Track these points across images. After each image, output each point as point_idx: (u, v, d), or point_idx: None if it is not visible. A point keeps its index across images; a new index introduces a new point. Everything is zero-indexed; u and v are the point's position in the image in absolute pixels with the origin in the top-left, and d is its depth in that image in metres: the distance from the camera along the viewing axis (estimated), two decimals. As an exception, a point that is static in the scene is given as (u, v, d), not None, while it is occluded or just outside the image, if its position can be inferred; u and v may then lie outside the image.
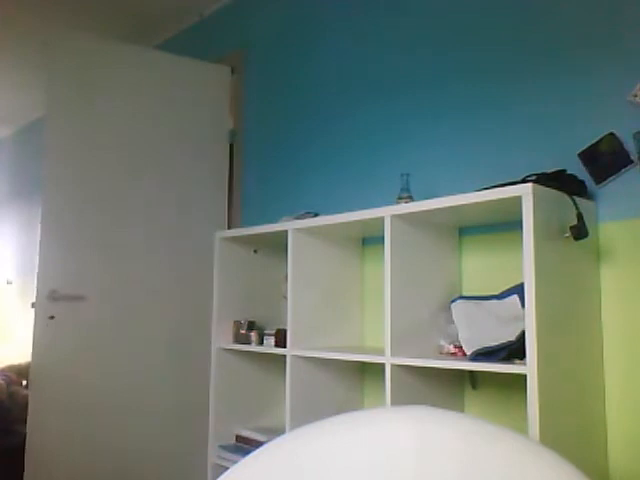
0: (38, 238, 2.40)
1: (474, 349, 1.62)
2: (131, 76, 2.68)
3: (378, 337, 2.23)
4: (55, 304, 2.37)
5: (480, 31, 2.06)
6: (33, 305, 2.38)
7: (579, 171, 1.72)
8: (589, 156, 1.73)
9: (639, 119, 1.64)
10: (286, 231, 2.16)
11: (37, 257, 2.41)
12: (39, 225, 2.41)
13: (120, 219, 2.58)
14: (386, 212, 1.81)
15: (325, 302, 2.19)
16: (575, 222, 1.52)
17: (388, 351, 1.74)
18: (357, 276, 2.32)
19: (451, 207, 1.66)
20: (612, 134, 1.68)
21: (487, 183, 1.71)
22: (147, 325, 2.61)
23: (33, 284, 2.53)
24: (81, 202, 2.49)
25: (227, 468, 1.23)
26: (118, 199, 2.59)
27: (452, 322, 1.79)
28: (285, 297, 2.18)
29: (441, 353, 1.81)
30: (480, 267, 1.97)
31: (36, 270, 2.41)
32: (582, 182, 1.70)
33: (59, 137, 2.46)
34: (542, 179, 1.59)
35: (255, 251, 2.58)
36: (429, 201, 1.72)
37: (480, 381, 1.92)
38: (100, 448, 2.43)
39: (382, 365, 1.75)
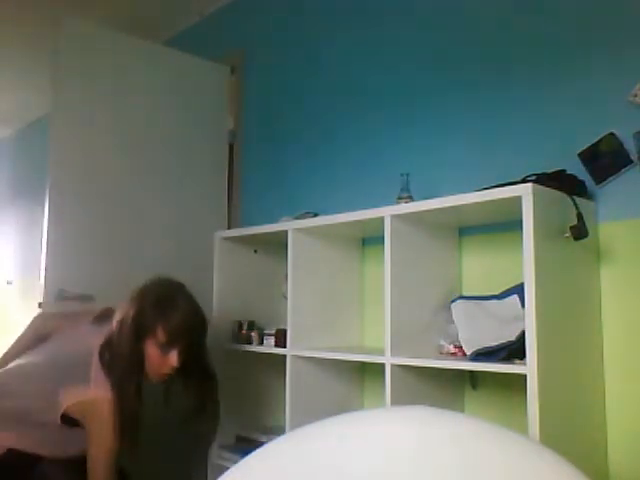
0: (44, 237, 2.39)
1: (474, 349, 1.62)
2: (133, 71, 2.68)
3: (378, 337, 2.22)
4: (63, 304, 2.36)
5: (479, 32, 2.06)
6: (40, 305, 2.37)
7: (579, 171, 1.72)
8: (589, 156, 1.72)
9: (639, 119, 1.64)
10: (286, 231, 2.16)
11: (41, 257, 2.40)
12: (45, 224, 2.40)
13: (122, 218, 2.58)
14: (386, 212, 1.80)
15: (325, 302, 2.19)
16: (575, 222, 1.52)
17: (388, 351, 1.74)
18: (357, 276, 2.32)
19: (451, 207, 1.65)
20: (612, 134, 1.68)
21: (487, 183, 1.70)
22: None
23: (34, 284, 2.52)
24: (86, 200, 2.48)
25: (227, 468, 1.23)
26: (119, 198, 2.58)
27: (452, 322, 1.79)
28: (285, 297, 2.17)
29: (441, 353, 1.81)
30: (480, 267, 1.97)
31: (41, 270, 2.40)
32: (582, 182, 1.70)
33: (64, 134, 2.46)
34: (542, 179, 1.59)
35: (255, 251, 2.57)
36: (429, 201, 1.72)
37: (480, 381, 1.92)
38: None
39: (382, 365, 1.75)
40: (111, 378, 1.66)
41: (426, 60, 2.22)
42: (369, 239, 2.32)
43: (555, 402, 1.45)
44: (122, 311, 1.74)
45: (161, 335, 1.70)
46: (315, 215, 2.24)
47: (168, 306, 1.73)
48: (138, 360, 1.70)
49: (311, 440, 1.19)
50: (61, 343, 1.80)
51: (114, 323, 1.74)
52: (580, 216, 1.52)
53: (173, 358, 1.72)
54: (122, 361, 1.68)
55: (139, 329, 1.70)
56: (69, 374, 1.67)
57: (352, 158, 2.46)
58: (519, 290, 1.62)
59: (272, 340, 2.23)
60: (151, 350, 1.71)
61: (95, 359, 1.67)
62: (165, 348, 1.71)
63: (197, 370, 1.86)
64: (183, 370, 1.80)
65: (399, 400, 1.71)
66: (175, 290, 1.80)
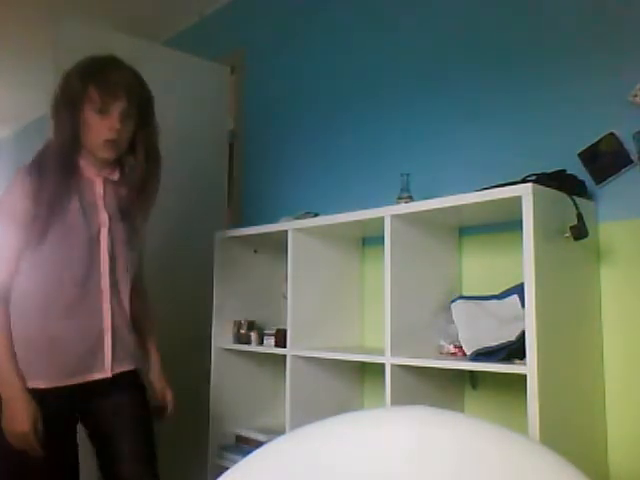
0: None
1: (474, 349, 1.62)
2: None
3: (378, 337, 2.22)
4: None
5: (480, 31, 2.06)
6: None
7: (579, 171, 1.72)
8: (589, 156, 1.72)
9: (639, 119, 1.64)
10: (286, 231, 2.16)
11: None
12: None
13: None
14: (386, 212, 1.80)
15: (325, 302, 2.19)
16: (575, 222, 1.52)
17: (388, 351, 1.73)
18: (357, 276, 2.32)
19: (451, 207, 1.65)
20: (612, 134, 1.68)
21: (487, 183, 1.70)
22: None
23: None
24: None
25: (227, 468, 1.23)
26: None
27: (452, 322, 1.79)
28: (285, 297, 2.18)
29: (441, 353, 1.81)
30: (480, 267, 1.97)
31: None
32: (582, 182, 1.70)
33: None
34: (542, 179, 1.59)
35: (255, 251, 2.57)
36: (429, 201, 1.72)
37: (480, 381, 1.92)
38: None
39: (382, 365, 1.75)
40: (37, 158, 1.57)
41: (426, 60, 2.22)
42: (369, 239, 2.32)
43: (555, 402, 1.45)
44: None
45: (95, 96, 1.54)
46: (315, 215, 2.24)
47: (98, 69, 1.59)
48: (72, 133, 1.55)
49: (311, 440, 1.19)
50: None
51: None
52: (580, 216, 1.52)
53: (113, 117, 1.55)
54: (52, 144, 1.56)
55: (70, 98, 1.55)
56: None
57: (352, 158, 2.46)
58: (519, 290, 1.62)
59: (272, 340, 2.23)
60: (90, 118, 1.55)
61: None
62: (104, 110, 1.54)
63: (143, 149, 1.72)
64: (131, 150, 1.68)
65: (399, 400, 1.71)
66: (104, 57, 1.63)
